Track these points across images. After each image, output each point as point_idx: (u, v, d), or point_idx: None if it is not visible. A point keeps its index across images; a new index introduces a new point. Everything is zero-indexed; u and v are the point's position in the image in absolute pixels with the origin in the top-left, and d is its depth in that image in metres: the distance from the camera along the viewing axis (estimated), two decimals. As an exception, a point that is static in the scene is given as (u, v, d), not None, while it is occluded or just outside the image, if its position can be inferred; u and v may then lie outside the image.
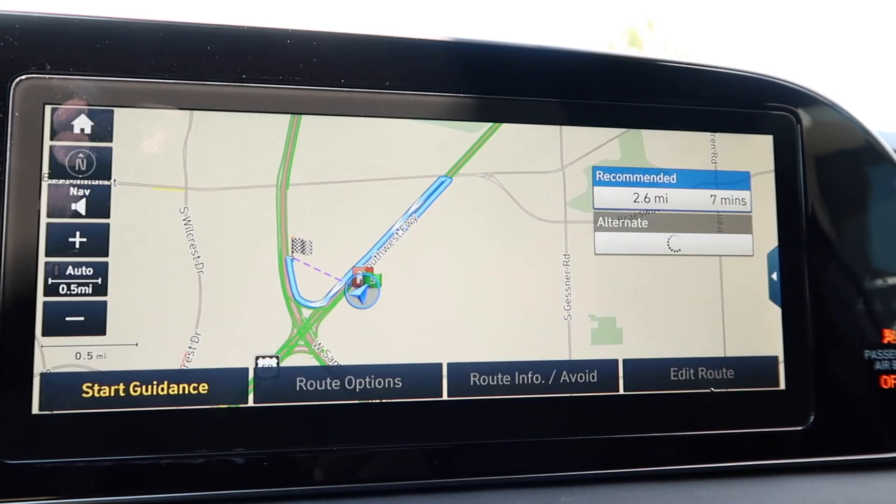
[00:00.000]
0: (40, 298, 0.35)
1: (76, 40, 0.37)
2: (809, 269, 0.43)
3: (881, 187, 0.45)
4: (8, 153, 0.35)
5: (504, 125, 0.41)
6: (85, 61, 0.37)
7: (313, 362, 0.37)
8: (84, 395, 0.35)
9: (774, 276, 0.43)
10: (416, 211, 0.39)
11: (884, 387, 0.43)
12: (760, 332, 0.42)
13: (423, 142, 0.40)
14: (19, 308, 0.35)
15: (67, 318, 0.35)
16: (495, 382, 0.39)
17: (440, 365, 0.39)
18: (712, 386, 0.42)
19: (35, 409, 0.35)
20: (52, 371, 0.35)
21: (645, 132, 0.42)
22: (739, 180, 0.43)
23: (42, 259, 0.35)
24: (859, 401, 0.43)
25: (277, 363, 0.37)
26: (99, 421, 0.35)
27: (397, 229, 0.39)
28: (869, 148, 0.45)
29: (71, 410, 0.35)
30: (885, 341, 0.44)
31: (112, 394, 0.35)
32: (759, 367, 0.42)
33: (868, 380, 0.43)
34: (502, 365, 0.39)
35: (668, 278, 0.42)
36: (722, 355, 0.42)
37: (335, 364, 0.38)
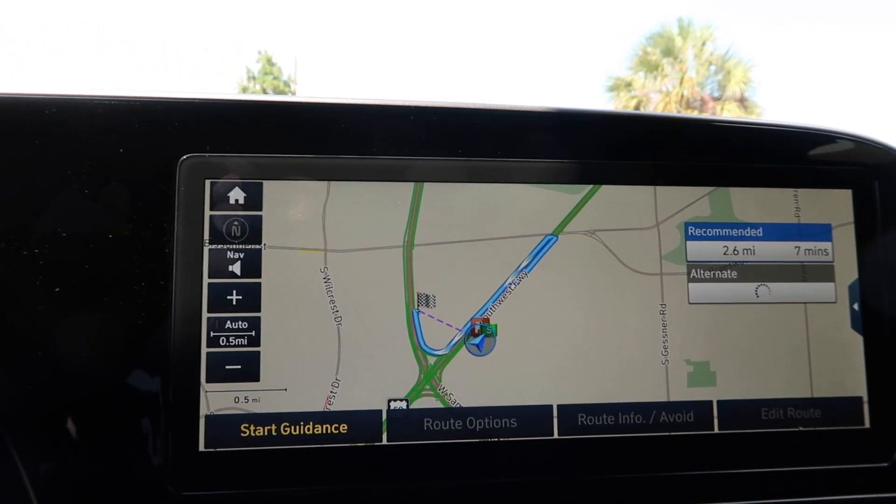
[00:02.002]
0: (204, 349, 0.40)
1: (231, 122, 0.42)
2: (890, 305, 0.46)
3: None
4: (176, 223, 0.41)
5: (604, 187, 0.45)
6: (238, 140, 0.42)
7: (438, 404, 0.42)
8: (242, 434, 0.40)
9: (856, 305, 0.46)
10: (526, 266, 0.43)
11: (965, 425, 0.46)
12: (845, 374, 0.46)
13: (531, 204, 0.44)
14: (187, 358, 0.40)
15: (227, 367, 0.40)
16: (601, 422, 0.43)
17: (551, 406, 0.43)
18: (801, 425, 0.45)
19: (202, 447, 0.40)
20: (215, 413, 0.40)
21: (732, 189, 0.46)
22: (821, 232, 0.46)
23: (205, 315, 0.40)
24: (942, 439, 0.46)
25: (407, 405, 0.42)
26: (255, 457, 0.40)
27: (510, 283, 0.43)
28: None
29: (231, 448, 0.40)
30: (966, 382, 0.46)
31: (265, 433, 0.40)
32: (844, 407, 0.45)
33: (950, 418, 0.46)
34: (607, 406, 0.43)
35: (756, 324, 0.45)
36: (809, 396, 0.45)
37: (458, 406, 0.42)
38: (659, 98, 15.43)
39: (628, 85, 15.74)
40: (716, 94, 15.56)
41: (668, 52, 15.30)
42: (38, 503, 0.39)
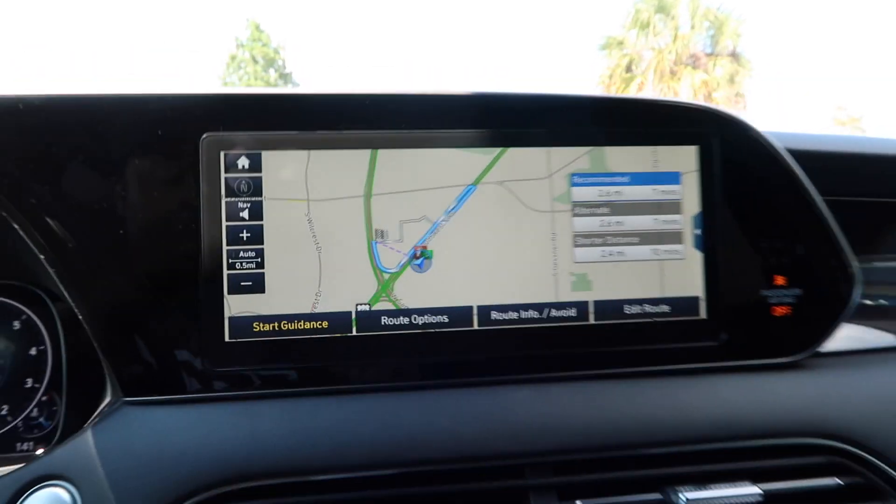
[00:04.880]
0: (225, 271, 0.57)
1: (237, 109, 0.58)
2: (721, 231, 0.63)
3: (774, 174, 0.64)
4: (201, 183, 0.57)
5: (510, 149, 0.61)
6: (243, 122, 0.58)
7: (391, 307, 0.59)
8: (254, 329, 0.57)
9: (698, 231, 0.63)
10: (453, 209, 0.60)
11: (774, 314, 0.64)
12: (688, 280, 0.63)
13: (456, 162, 0.61)
14: (214, 278, 0.57)
15: (242, 283, 0.57)
16: (507, 317, 0.60)
17: (472, 307, 0.60)
18: (654, 317, 0.62)
19: (227, 338, 0.57)
20: (235, 316, 0.57)
21: (606, 148, 0.62)
22: (673, 178, 0.63)
23: (224, 247, 0.57)
24: (757, 324, 0.64)
25: (370, 308, 0.59)
26: (264, 345, 0.58)
27: (442, 221, 0.60)
28: (764, 149, 0.64)
29: (247, 339, 0.57)
30: (776, 284, 0.64)
31: (270, 328, 0.58)
32: (687, 304, 0.63)
33: (763, 310, 0.64)
34: (512, 306, 0.60)
35: (621, 245, 0.62)
36: (661, 296, 0.62)
37: (405, 308, 0.59)
38: (652, 55, 15.31)
39: (620, 43, 15.61)
40: (709, 51, 15.45)
41: (661, 8, 15.15)
42: (120, 385, 0.56)
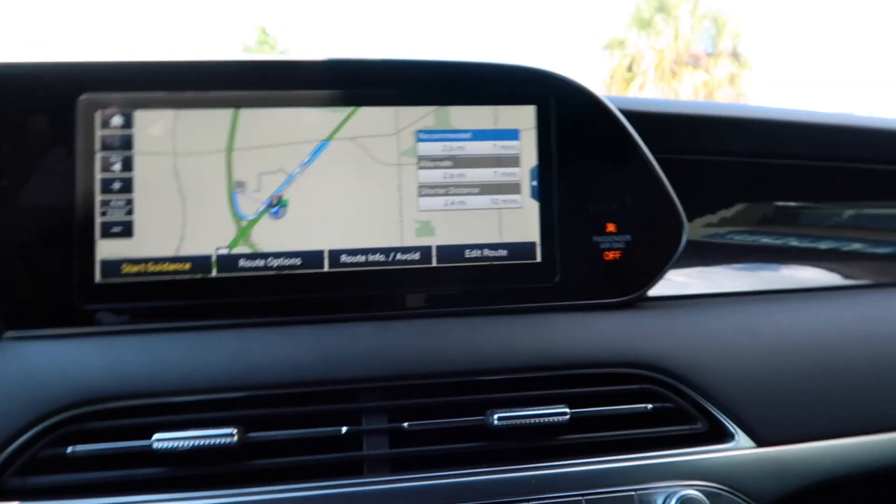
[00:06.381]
0: (98, 218, 0.64)
1: (111, 73, 0.65)
2: (557, 183, 0.69)
3: (607, 132, 0.71)
4: (77, 139, 0.64)
5: (361, 108, 0.68)
6: (117, 84, 0.65)
7: (249, 251, 0.66)
8: (123, 271, 0.64)
9: (535, 182, 0.69)
10: (307, 162, 0.67)
11: (606, 259, 0.70)
12: (525, 227, 0.69)
13: (312, 120, 0.67)
14: (86, 224, 0.64)
15: (112, 229, 0.64)
16: (356, 260, 0.67)
17: (322, 251, 0.66)
18: (493, 260, 0.68)
19: (97, 279, 0.64)
20: (106, 258, 0.64)
21: (451, 107, 0.69)
22: (512, 134, 0.70)
23: (98, 196, 0.64)
24: (589, 267, 0.70)
25: (229, 251, 0.65)
26: (131, 285, 0.64)
27: (297, 173, 0.67)
28: (597, 107, 0.71)
29: (116, 280, 0.64)
30: (607, 231, 0.70)
31: (138, 270, 0.64)
32: (523, 248, 0.69)
33: (595, 254, 0.70)
34: (361, 250, 0.67)
35: (462, 195, 0.68)
36: (499, 241, 0.69)
37: (262, 251, 0.66)
38: (653, 55, 15.33)
39: (621, 43, 15.64)
40: (710, 51, 15.46)
41: (662, 7, 15.18)
42: (2, 320, 0.63)
